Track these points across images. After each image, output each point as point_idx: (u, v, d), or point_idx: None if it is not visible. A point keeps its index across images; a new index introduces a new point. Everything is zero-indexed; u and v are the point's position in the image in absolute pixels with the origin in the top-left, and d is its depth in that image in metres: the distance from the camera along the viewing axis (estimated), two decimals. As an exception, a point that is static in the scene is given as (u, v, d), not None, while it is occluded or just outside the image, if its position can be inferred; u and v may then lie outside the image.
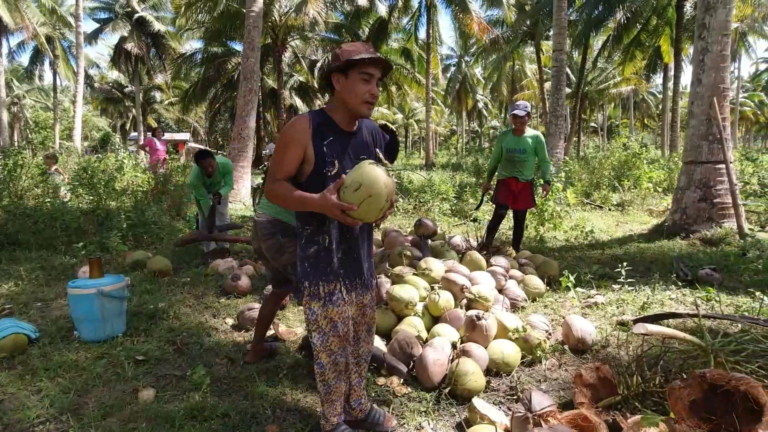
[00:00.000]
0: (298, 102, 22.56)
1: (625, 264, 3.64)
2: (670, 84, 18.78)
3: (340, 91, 1.64)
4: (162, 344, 2.89)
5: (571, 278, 3.36)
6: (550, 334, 2.88)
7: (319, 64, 20.86)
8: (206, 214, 4.82)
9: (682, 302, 3.54)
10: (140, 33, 22.95)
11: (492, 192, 4.84)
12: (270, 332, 2.99)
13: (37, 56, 24.15)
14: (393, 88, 22.72)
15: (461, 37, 22.39)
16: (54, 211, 5.60)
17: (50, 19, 21.33)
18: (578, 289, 3.43)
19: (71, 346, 2.82)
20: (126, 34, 22.45)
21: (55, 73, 25.61)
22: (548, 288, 3.80)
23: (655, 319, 3.04)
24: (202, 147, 5.48)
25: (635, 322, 2.97)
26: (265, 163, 10.41)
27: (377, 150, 1.81)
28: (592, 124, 45.06)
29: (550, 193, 4.50)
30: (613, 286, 3.77)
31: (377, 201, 1.48)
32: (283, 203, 1.67)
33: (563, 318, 3.07)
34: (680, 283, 3.86)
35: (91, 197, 6.62)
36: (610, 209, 8.23)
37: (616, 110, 43.08)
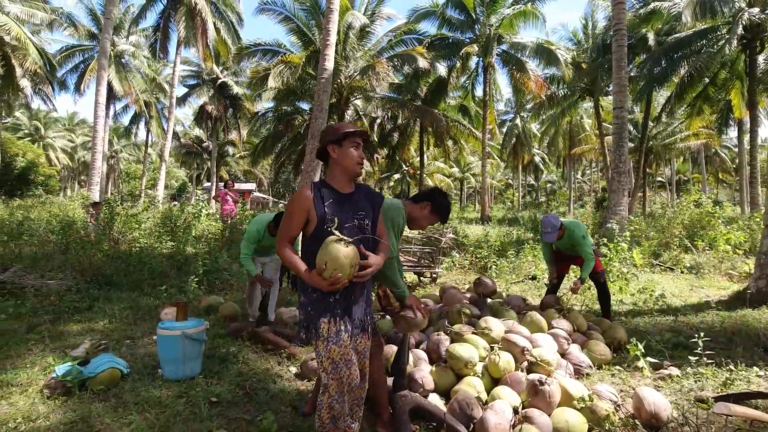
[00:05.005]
0: (357, 156, 23.67)
1: (702, 334, 3.41)
2: (747, 137, 17.68)
3: (336, 158, 2.06)
4: (233, 387, 3.09)
5: (640, 346, 3.20)
6: (619, 406, 2.75)
7: (378, 121, 22.02)
8: (252, 273, 4.30)
9: (771, 381, 3.22)
10: (220, 96, 25.83)
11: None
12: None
13: (135, 117, 27.90)
14: (450, 143, 23.26)
15: (516, 93, 22.72)
16: (143, 256, 6.25)
17: (150, 87, 24.81)
18: (648, 358, 3.24)
19: (156, 383, 3.10)
20: (209, 98, 25.37)
21: (148, 131, 29.20)
22: (615, 355, 3.63)
23: (740, 398, 2.81)
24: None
25: (717, 400, 2.76)
26: None
27: (336, 231, 1.94)
28: (659, 178, 42.78)
29: (585, 283, 4.42)
30: (690, 357, 3.52)
31: (343, 271, 1.86)
32: (284, 261, 2.05)
33: (633, 389, 2.91)
34: (769, 359, 3.53)
35: (172, 243, 7.31)
36: (682, 272, 7.67)
37: (686, 164, 40.77)
